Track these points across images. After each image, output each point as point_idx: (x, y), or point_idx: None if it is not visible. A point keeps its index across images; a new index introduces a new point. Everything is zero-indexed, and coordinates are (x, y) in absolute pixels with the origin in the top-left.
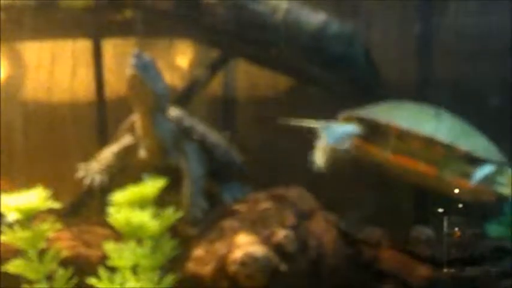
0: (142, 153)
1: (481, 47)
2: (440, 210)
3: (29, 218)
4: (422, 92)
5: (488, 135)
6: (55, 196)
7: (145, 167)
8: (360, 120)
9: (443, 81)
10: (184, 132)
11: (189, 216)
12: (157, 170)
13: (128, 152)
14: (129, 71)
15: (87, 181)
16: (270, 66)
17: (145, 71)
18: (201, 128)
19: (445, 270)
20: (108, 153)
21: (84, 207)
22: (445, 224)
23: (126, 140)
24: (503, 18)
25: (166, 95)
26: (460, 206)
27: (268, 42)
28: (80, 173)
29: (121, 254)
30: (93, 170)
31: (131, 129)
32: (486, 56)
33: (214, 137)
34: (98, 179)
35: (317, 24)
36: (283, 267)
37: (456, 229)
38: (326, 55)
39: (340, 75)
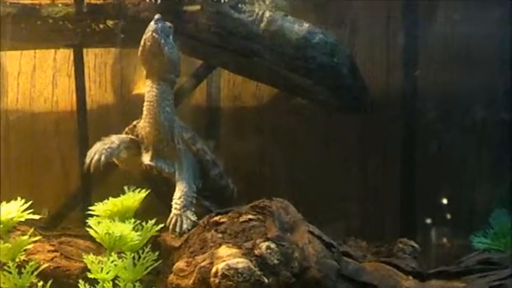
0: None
1: (467, 57)
2: (426, 222)
3: (8, 229)
4: (408, 102)
5: (474, 145)
6: (35, 206)
7: (141, 174)
8: None
9: (429, 91)
10: (184, 142)
11: (176, 229)
12: (151, 181)
13: (132, 144)
14: (148, 33)
15: (86, 160)
16: (254, 75)
17: (164, 35)
18: (201, 144)
19: (430, 283)
20: (114, 137)
21: (64, 218)
22: (431, 236)
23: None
24: (490, 27)
25: (178, 66)
26: (447, 217)
27: (252, 51)
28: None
29: (101, 266)
30: (94, 148)
31: (133, 130)
32: (473, 66)
33: (212, 156)
34: (97, 157)
35: (301, 33)
36: (265, 279)
37: (442, 241)
38: (310, 64)
39: (324, 85)
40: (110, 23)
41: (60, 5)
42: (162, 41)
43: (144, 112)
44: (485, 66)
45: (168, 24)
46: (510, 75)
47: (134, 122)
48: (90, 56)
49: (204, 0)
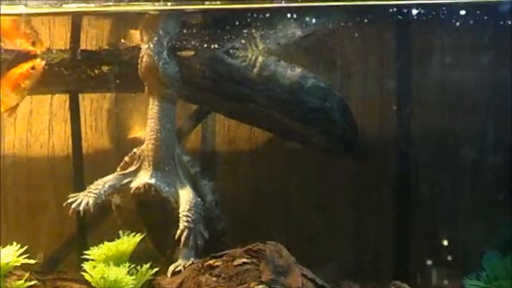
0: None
1: (460, 100)
2: (420, 264)
3: (4, 274)
4: (401, 144)
5: (468, 187)
6: (30, 250)
7: (136, 203)
8: None
9: (422, 133)
10: (183, 164)
11: (189, 242)
12: (146, 212)
13: (124, 179)
14: (143, 52)
15: (73, 205)
16: (248, 120)
17: (158, 51)
18: (198, 168)
19: None
20: (100, 182)
21: (60, 262)
22: (425, 278)
23: (124, 170)
24: (484, 72)
25: (175, 81)
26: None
27: (245, 96)
28: (69, 199)
29: None
30: (81, 194)
31: (132, 158)
32: (466, 109)
33: (207, 184)
34: (84, 201)
35: (294, 78)
36: None
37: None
38: (303, 108)
39: (317, 129)
40: (105, 68)
41: (55, 51)
42: (156, 57)
43: (147, 130)
44: (478, 109)
45: (165, 39)
46: (503, 118)
47: (134, 149)
48: (86, 101)
49: (197, 46)
